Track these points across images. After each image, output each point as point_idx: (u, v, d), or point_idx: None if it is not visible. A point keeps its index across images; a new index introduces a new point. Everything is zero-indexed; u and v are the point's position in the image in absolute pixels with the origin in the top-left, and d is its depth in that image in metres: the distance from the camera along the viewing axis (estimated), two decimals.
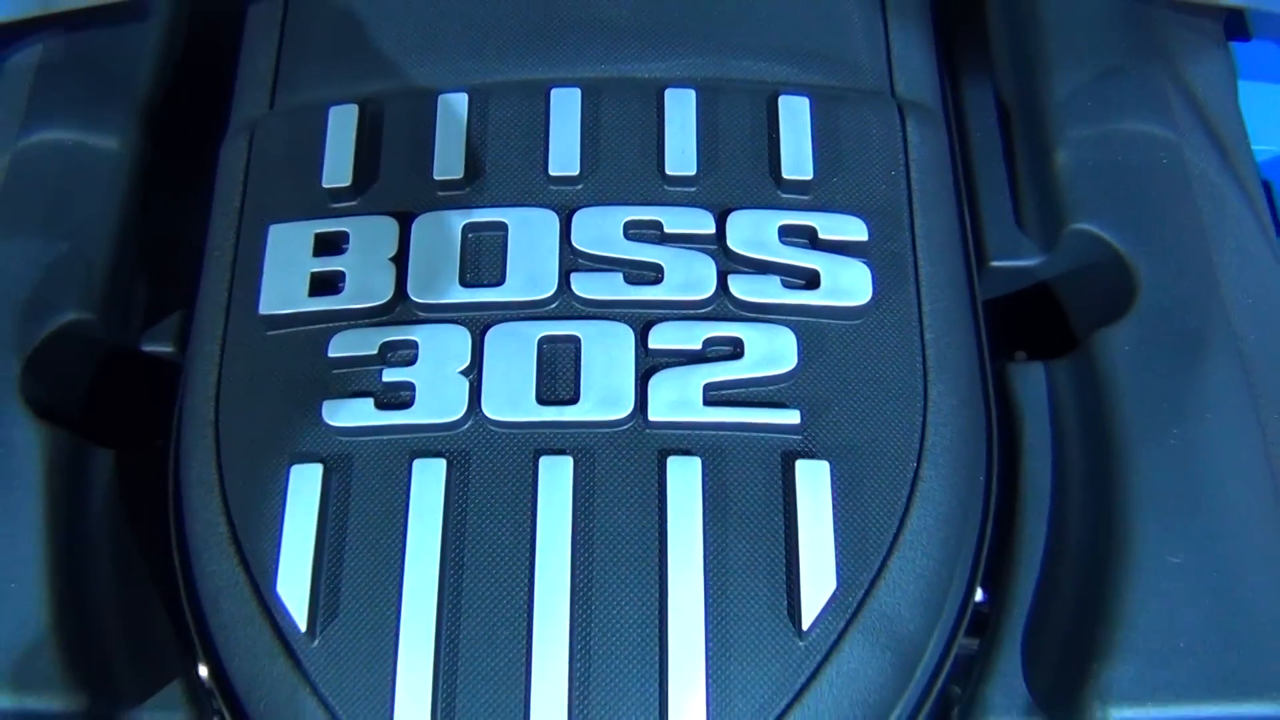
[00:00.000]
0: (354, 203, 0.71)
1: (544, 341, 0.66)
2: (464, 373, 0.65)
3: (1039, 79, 0.82)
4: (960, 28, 0.89)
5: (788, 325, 0.67)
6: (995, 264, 0.80)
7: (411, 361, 0.66)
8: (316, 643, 0.61)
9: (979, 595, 0.72)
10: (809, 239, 0.69)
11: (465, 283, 0.68)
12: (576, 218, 0.69)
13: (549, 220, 0.69)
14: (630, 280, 0.67)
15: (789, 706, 0.60)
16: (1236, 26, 1.14)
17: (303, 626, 0.61)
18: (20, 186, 0.81)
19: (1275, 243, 0.85)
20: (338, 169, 0.71)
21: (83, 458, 0.73)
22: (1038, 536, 0.71)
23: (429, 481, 0.63)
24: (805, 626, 0.60)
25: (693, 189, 0.70)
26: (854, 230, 0.69)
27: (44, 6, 0.86)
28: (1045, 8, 0.85)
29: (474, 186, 0.70)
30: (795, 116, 0.72)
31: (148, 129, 0.83)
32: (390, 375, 0.66)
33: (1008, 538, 0.72)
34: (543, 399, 0.65)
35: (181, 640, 0.70)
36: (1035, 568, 0.70)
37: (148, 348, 0.80)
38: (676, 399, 0.64)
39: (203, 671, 0.70)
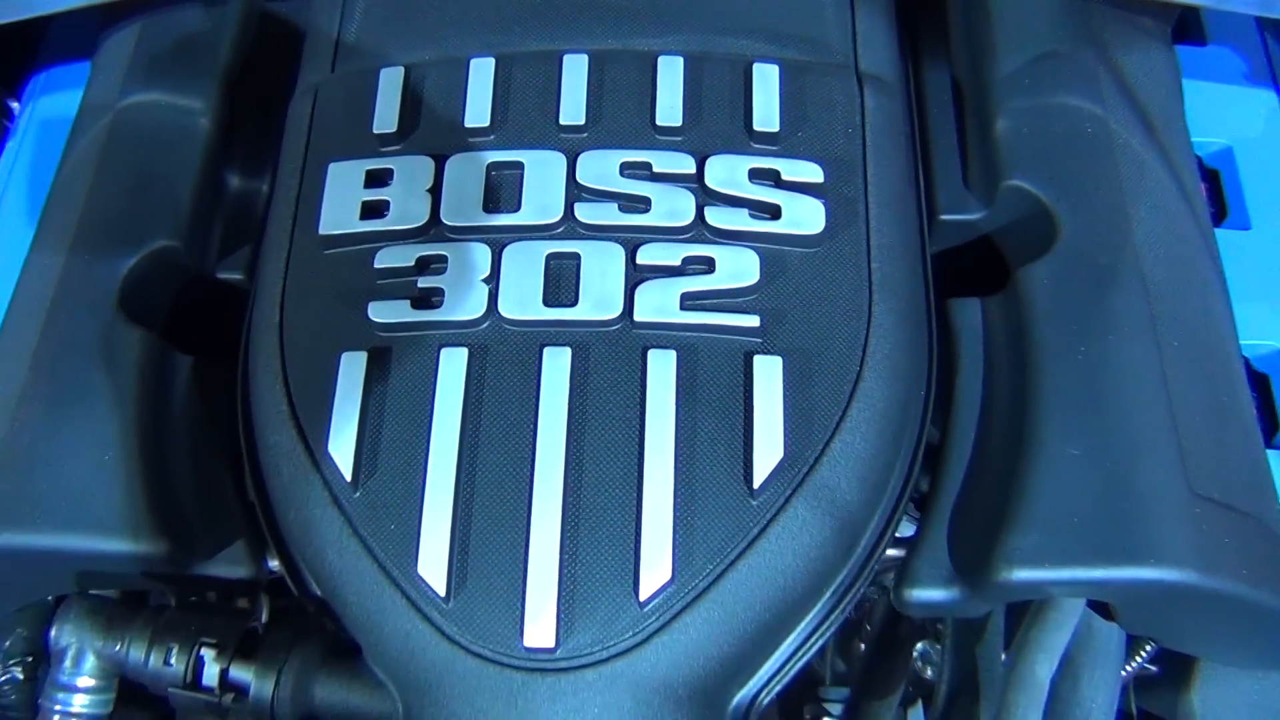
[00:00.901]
0: (398, 146, 0.85)
1: (550, 257, 0.80)
2: (485, 281, 0.79)
3: (986, 60, 0.95)
4: (923, 18, 1.02)
5: (753, 249, 0.80)
6: (944, 217, 0.93)
7: (442, 272, 0.80)
8: (359, 493, 0.75)
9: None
10: (774, 180, 0.82)
11: (488, 210, 0.82)
12: (580, 159, 0.83)
13: (558, 161, 0.83)
14: (623, 209, 0.81)
15: (741, 553, 0.73)
16: (1195, 32, 1.27)
17: (348, 479, 0.75)
18: (122, 139, 0.96)
19: (1198, 206, 0.97)
20: (386, 118, 0.86)
21: (167, 359, 0.87)
22: (967, 439, 0.84)
23: (453, 366, 0.77)
24: (756, 487, 0.73)
25: (678, 138, 0.84)
26: (812, 174, 0.83)
27: None
28: (996, 10, 0.98)
29: (497, 133, 0.85)
30: (767, 81, 0.86)
31: (226, 93, 0.98)
32: (424, 282, 0.80)
33: (944, 440, 0.85)
34: (548, 302, 0.78)
35: (244, 509, 0.85)
36: (963, 464, 0.83)
37: (222, 275, 0.94)
38: (658, 304, 0.78)
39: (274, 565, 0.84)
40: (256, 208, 0.98)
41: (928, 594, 0.79)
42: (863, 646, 1.02)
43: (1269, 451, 0.94)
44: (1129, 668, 0.92)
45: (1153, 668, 0.95)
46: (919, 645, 1.04)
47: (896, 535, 0.83)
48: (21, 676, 0.97)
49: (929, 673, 1.00)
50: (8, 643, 0.99)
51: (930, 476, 0.84)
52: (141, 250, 0.90)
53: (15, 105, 1.56)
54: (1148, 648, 0.93)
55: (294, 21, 1.05)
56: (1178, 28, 1.19)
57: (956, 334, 0.88)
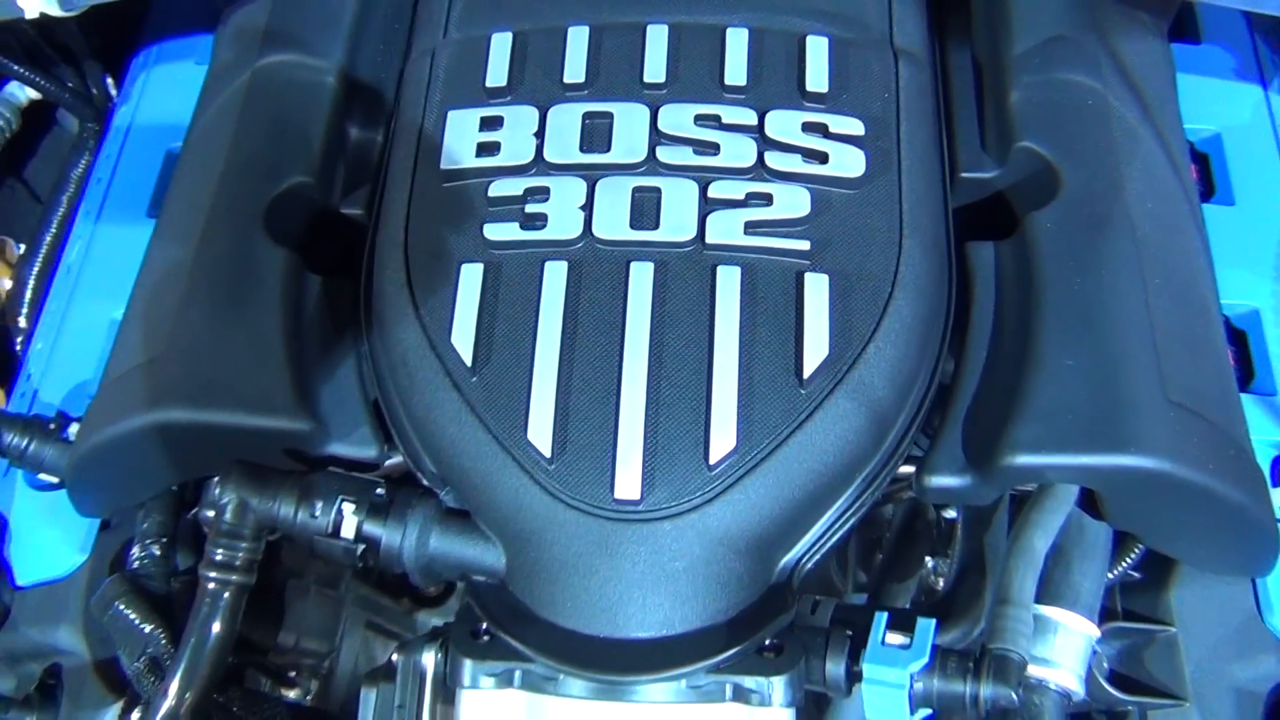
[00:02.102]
0: (508, 97, 1.02)
1: (636, 190, 0.96)
2: (581, 208, 0.95)
3: (1003, 41, 1.11)
4: (949, 4, 1.18)
5: (804, 187, 0.96)
6: (965, 175, 1.08)
7: (545, 200, 0.96)
8: (475, 378, 0.91)
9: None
10: (822, 132, 0.98)
11: (583, 150, 0.98)
12: (661, 111, 0.99)
13: (643, 112, 0.99)
14: (697, 153, 0.97)
15: (792, 432, 0.88)
16: (1191, 32, 1.42)
17: (468, 364, 0.91)
18: (261, 93, 1.12)
19: (1185, 175, 1.12)
20: (497, 74, 1.02)
21: (301, 275, 1.03)
22: (979, 356, 0.99)
23: (555, 277, 0.93)
24: (805, 378, 0.89)
25: (743, 95, 1.00)
26: (855, 128, 0.99)
27: None
28: (1013, 1, 1.14)
29: (592, 88, 1.01)
30: (818, 51, 1.02)
31: (348, 55, 1.14)
32: (530, 208, 0.96)
33: (960, 356, 1.00)
34: (634, 226, 0.94)
35: (367, 401, 1.00)
36: (976, 375, 0.98)
37: (345, 210, 1.10)
38: (725, 230, 0.94)
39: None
40: (372, 155, 1.13)
41: (944, 481, 0.94)
42: (880, 558, 1.18)
43: (1244, 394, 1.10)
44: (1115, 572, 1.07)
45: (1137, 574, 1.09)
46: (930, 561, 1.19)
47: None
48: (158, 553, 1.13)
49: (940, 584, 1.16)
50: (145, 524, 1.14)
51: (948, 386, 0.99)
52: (281, 185, 1.05)
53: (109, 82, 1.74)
54: (1133, 555, 1.07)
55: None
56: (1176, 28, 1.35)
57: (973, 271, 1.03)
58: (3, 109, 1.73)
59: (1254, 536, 1.00)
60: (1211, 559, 1.05)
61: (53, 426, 1.19)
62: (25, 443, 1.15)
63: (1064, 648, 0.95)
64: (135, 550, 1.12)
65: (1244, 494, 0.95)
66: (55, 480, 1.20)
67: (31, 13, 1.16)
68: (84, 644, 1.12)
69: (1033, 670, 0.91)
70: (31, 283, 1.73)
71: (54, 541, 1.17)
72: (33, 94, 1.77)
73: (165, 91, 1.49)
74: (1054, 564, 0.98)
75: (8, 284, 1.81)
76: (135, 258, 1.27)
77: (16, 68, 1.66)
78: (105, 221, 1.38)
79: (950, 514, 1.10)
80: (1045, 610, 0.97)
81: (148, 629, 1.03)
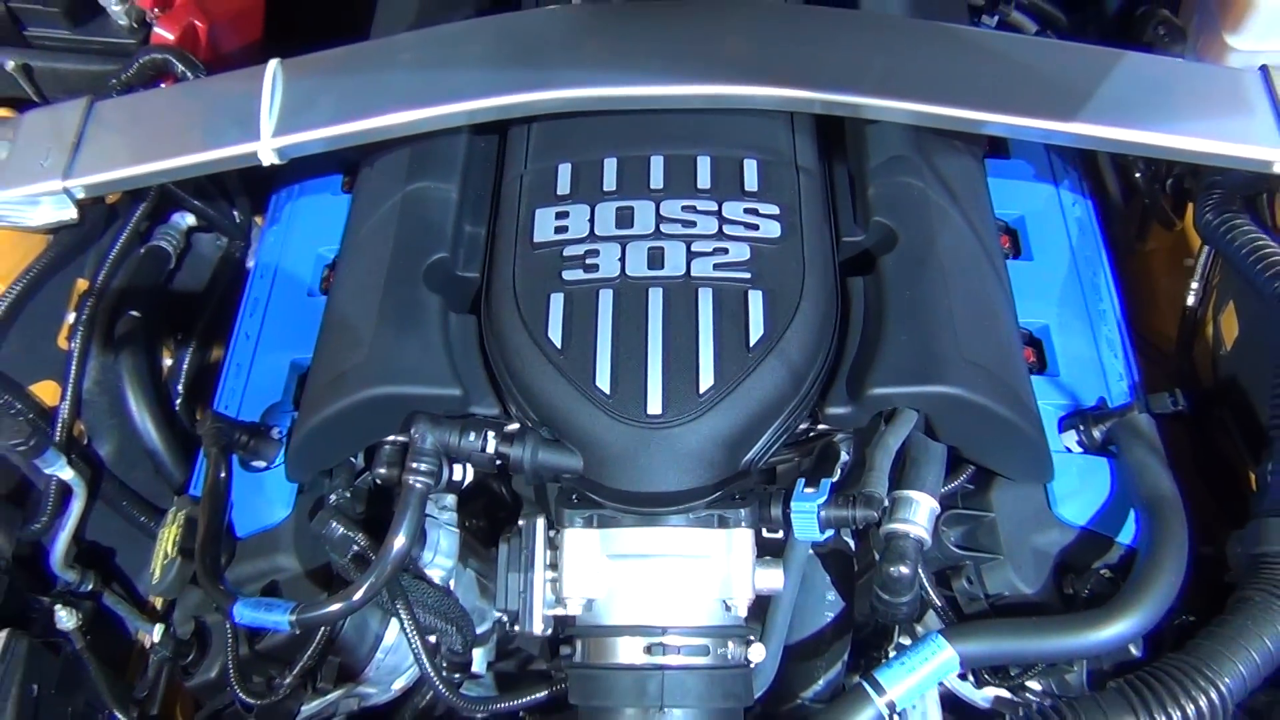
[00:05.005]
0: (571, 200, 1.69)
1: (649, 249, 1.61)
2: (619, 260, 1.61)
3: (864, 159, 1.79)
4: (832, 137, 1.89)
5: (746, 243, 1.62)
6: (844, 239, 1.78)
7: (597, 256, 1.62)
8: (564, 355, 1.56)
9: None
10: (755, 213, 1.65)
11: (617, 228, 1.64)
12: (662, 204, 1.65)
13: (651, 205, 1.65)
14: (683, 226, 1.63)
15: (745, 378, 1.53)
16: (1004, 149, 2.13)
17: (559, 347, 1.57)
18: (412, 205, 1.79)
19: (985, 236, 1.80)
20: (564, 186, 1.70)
21: (446, 310, 1.70)
22: (855, 339, 1.65)
23: (606, 299, 1.57)
24: (750, 347, 1.55)
25: (709, 193, 1.67)
26: (774, 210, 1.66)
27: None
28: (869, 135, 1.85)
29: (620, 192, 1.68)
30: (751, 168, 1.70)
31: (463, 180, 1.83)
32: (589, 261, 1.61)
33: (843, 340, 1.67)
34: (649, 269, 1.60)
35: (491, 379, 1.66)
36: (854, 349, 1.64)
37: (464, 273, 1.77)
38: (702, 269, 1.59)
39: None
40: (479, 240, 1.81)
41: (836, 409, 1.59)
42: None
43: (1038, 377, 1.77)
44: (955, 483, 1.70)
45: (970, 485, 1.72)
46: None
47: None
48: (349, 495, 1.75)
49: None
50: (336, 480, 1.77)
51: (838, 356, 1.66)
52: (432, 256, 1.73)
53: (237, 214, 2.40)
54: (965, 473, 1.71)
55: (492, 145, 1.92)
56: (994, 147, 2.07)
57: (850, 293, 1.70)
58: (173, 232, 2.38)
59: (1031, 452, 1.64)
60: (1011, 469, 1.68)
61: (262, 430, 1.84)
62: (248, 439, 1.80)
63: (916, 513, 1.45)
64: (332, 497, 1.75)
65: (1019, 418, 1.60)
66: (262, 465, 1.84)
67: (266, 163, 1.85)
68: (297, 561, 1.75)
69: (896, 526, 1.52)
70: (187, 358, 2.39)
71: (261, 505, 1.79)
72: (191, 220, 2.43)
73: (309, 214, 2.17)
74: (908, 466, 1.54)
75: (169, 361, 2.46)
76: (302, 321, 1.95)
77: (196, 203, 2.33)
78: (275, 300, 2.05)
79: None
80: (904, 491, 1.49)
81: (353, 535, 1.65)
